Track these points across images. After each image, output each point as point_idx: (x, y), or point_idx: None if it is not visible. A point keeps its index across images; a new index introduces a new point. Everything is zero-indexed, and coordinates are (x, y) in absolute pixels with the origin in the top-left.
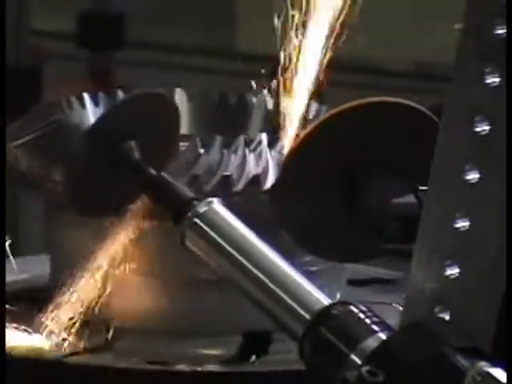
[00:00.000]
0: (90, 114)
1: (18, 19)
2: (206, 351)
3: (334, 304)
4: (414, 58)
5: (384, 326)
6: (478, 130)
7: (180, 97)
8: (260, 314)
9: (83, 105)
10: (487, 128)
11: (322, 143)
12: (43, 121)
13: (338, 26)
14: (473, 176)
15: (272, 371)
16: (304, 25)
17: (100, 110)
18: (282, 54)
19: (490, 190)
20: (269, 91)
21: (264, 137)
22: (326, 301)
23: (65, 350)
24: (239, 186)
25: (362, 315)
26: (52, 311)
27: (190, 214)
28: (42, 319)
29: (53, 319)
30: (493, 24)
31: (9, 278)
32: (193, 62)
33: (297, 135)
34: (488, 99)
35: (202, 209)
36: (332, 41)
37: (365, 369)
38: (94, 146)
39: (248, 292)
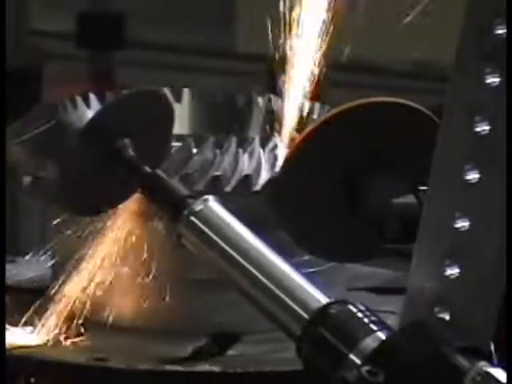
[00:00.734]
0: (91, 114)
1: (18, 19)
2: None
3: (332, 303)
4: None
5: (383, 325)
6: (478, 130)
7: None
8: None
9: (84, 105)
10: (487, 128)
11: (322, 143)
12: (43, 121)
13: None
14: (473, 176)
15: (271, 371)
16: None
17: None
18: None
19: (490, 190)
20: (268, 91)
21: (257, 137)
22: (324, 300)
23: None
24: (230, 186)
25: (360, 314)
26: (51, 311)
27: (185, 212)
28: (42, 319)
29: (52, 318)
30: (493, 24)
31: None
32: (193, 62)
33: (297, 135)
34: (488, 99)
35: (197, 207)
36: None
37: (364, 369)
38: (88, 144)
39: (245, 290)
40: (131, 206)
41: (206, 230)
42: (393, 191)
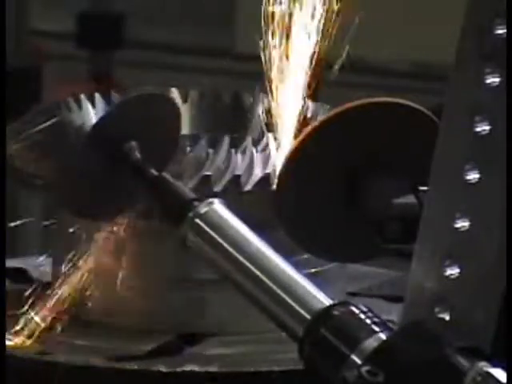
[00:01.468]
0: (91, 114)
1: (18, 19)
2: (207, 352)
3: (334, 304)
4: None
5: (384, 326)
6: (478, 130)
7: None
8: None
9: (84, 105)
10: (487, 128)
11: (322, 143)
12: (44, 121)
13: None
14: (473, 176)
15: (269, 371)
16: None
17: (101, 111)
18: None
19: (490, 190)
20: (268, 91)
21: (249, 136)
22: (326, 301)
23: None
24: (248, 187)
25: (362, 315)
26: (51, 311)
27: (191, 215)
28: (42, 319)
29: (51, 318)
30: (493, 24)
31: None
32: (193, 62)
33: (297, 135)
34: (488, 99)
35: (202, 209)
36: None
37: (365, 369)
38: (94, 146)
39: (248, 292)
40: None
41: (211, 232)
42: (393, 191)
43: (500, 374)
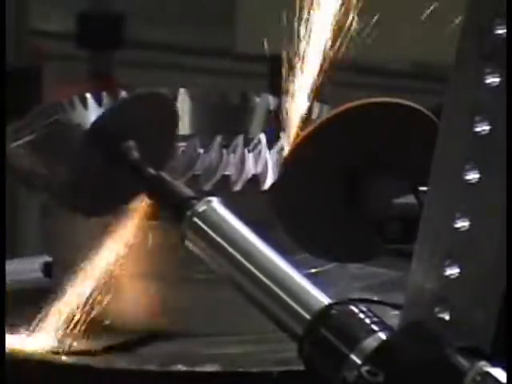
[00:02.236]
0: (91, 114)
1: (18, 19)
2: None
3: (333, 304)
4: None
5: (384, 325)
6: (477, 130)
7: (183, 97)
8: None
9: (84, 105)
10: (487, 128)
11: (322, 143)
12: (44, 121)
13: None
14: (473, 176)
15: (269, 371)
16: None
17: (101, 110)
18: (283, 54)
19: (490, 190)
20: (270, 91)
21: (263, 136)
22: (325, 300)
23: (64, 350)
24: (238, 186)
25: (361, 315)
26: (51, 312)
27: (189, 213)
28: (41, 320)
29: (52, 320)
30: (493, 24)
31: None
32: (193, 62)
33: (297, 135)
34: (488, 99)
35: (201, 208)
36: (332, 41)
37: (364, 369)
38: (92, 145)
39: (247, 291)
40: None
41: (209, 231)
42: (393, 191)
43: (500, 374)
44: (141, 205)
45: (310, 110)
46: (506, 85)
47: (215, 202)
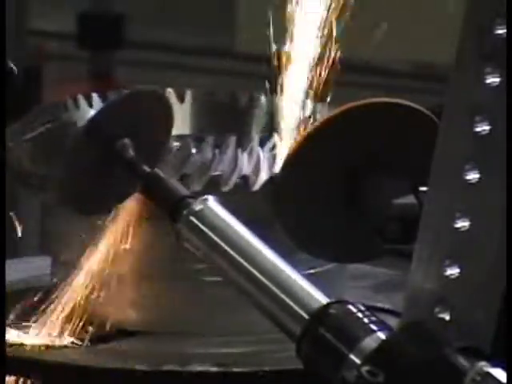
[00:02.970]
0: (91, 114)
1: (18, 19)
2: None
3: (332, 303)
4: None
5: (383, 325)
6: (478, 130)
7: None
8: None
9: (85, 105)
10: (487, 128)
11: (322, 143)
12: (43, 121)
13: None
14: (473, 176)
15: (269, 371)
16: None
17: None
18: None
19: (490, 190)
20: (269, 91)
21: (256, 136)
22: (324, 300)
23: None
24: (229, 186)
25: (360, 314)
26: (50, 311)
27: (185, 212)
28: (41, 319)
29: (51, 318)
30: (493, 24)
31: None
32: (193, 62)
33: (297, 135)
34: (488, 99)
35: (197, 207)
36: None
37: (364, 369)
38: (88, 143)
39: (244, 290)
40: (131, 205)
41: (206, 229)
42: (393, 191)
43: (500, 374)
44: (136, 203)
45: (309, 110)
46: (506, 85)
47: (211, 201)
